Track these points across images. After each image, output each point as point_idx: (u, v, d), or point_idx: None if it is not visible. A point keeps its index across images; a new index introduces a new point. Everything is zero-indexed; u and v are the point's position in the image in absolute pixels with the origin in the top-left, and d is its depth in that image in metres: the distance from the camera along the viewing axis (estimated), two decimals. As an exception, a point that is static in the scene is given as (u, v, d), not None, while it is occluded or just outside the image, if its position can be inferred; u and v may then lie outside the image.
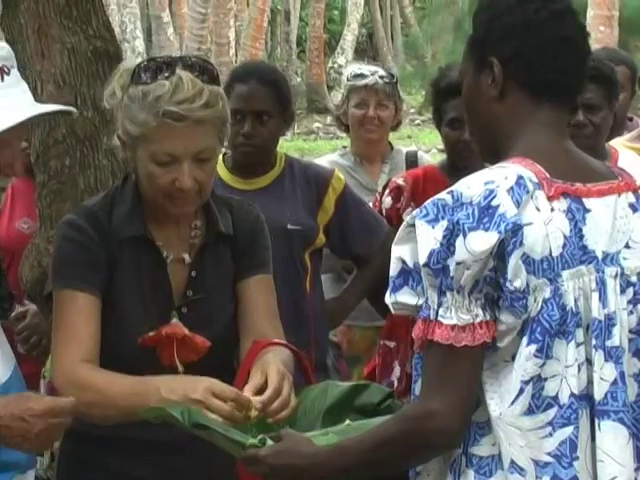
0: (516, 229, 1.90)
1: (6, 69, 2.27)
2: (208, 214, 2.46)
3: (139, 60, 2.36)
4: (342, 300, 3.76)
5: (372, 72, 4.46)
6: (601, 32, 11.67)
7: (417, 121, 20.16)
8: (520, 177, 1.93)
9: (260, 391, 2.21)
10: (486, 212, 1.89)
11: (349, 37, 24.69)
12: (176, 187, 2.31)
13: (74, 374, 2.28)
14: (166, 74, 2.28)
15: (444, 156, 3.92)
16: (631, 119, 4.53)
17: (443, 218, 1.91)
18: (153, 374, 2.28)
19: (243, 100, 3.50)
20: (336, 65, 23.43)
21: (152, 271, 2.40)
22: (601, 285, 1.97)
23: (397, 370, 3.77)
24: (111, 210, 2.41)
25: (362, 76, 4.45)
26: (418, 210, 1.94)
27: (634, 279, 2.01)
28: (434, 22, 23.05)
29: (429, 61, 22.15)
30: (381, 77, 4.44)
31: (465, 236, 1.89)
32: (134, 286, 2.39)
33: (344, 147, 4.86)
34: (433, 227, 1.91)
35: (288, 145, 15.39)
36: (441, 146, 3.88)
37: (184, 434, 2.20)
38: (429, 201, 1.94)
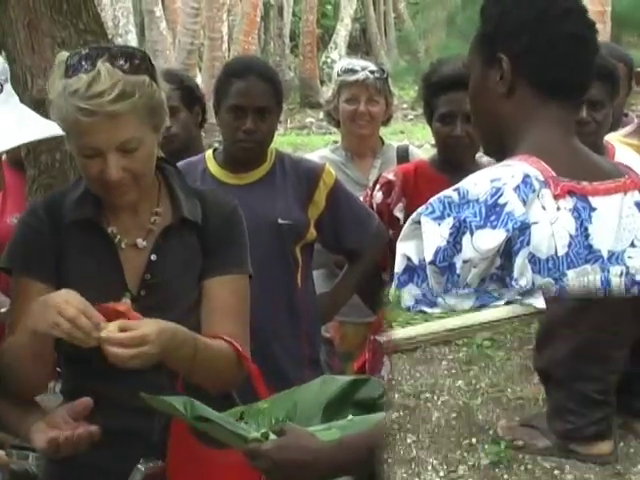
0: (524, 228, 1.86)
1: None
2: (172, 200, 2.44)
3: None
4: (333, 295, 3.75)
5: (363, 67, 4.44)
6: (595, 28, 11.66)
7: (410, 116, 20.14)
8: (526, 175, 1.90)
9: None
10: (493, 210, 1.86)
11: (342, 32, 24.69)
12: (104, 179, 2.31)
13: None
14: (86, 67, 2.27)
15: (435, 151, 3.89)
16: (626, 115, 4.52)
17: (449, 215, 1.88)
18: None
19: (243, 96, 3.49)
20: (329, 60, 23.40)
21: (103, 255, 2.41)
22: (606, 284, 1.94)
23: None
24: (66, 194, 2.45)
25: (353, 71, 4.42)
26: (424, 207, 1.91)
27: (639, 278, 1.98)
28: (427, 17, 23.09)
29: (422, 56, 22.15)
30: (372, 72, 4.42)
31: (472, 234, 1.86)
32: (85, 269, 2.39)
33: (335, 142, 4.83)
34: (439, 224, 1.88)
35: (281, 140, 15.37)
36: (434, 141, 3.85)
37: (161, 424, 2.19)
38: (434, 198, 1.91)
